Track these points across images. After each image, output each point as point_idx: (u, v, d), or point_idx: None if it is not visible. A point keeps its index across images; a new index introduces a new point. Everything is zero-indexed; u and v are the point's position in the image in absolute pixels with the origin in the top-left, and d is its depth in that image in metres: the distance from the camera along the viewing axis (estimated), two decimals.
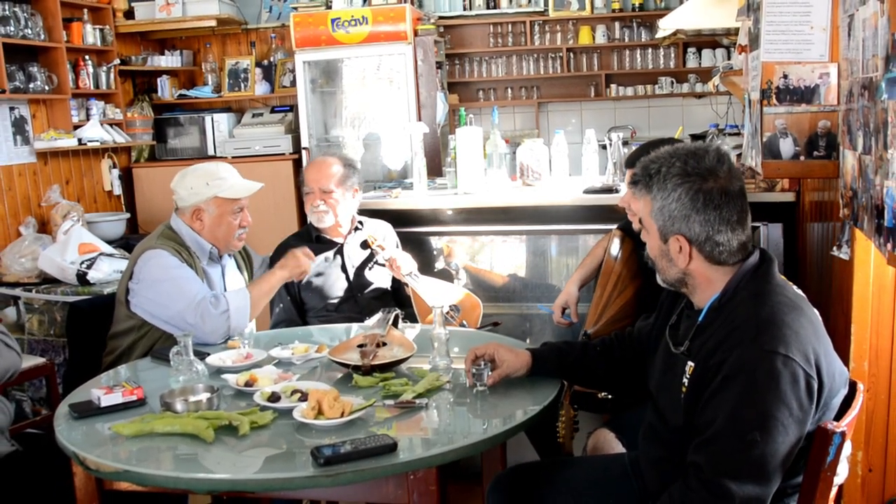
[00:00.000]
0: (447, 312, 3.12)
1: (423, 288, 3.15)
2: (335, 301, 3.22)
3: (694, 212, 1.73)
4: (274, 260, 3.23)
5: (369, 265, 3.28)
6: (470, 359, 2.15)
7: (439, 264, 3.82)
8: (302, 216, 5.68)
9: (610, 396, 2.62)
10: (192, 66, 6.23)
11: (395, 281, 3.32)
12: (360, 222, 3.32)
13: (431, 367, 2.32)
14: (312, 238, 3.27)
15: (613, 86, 7.11)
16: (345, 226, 3.27)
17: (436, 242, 3.76)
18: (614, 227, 2.92)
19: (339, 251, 3.26)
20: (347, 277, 3.25)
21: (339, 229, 3.26)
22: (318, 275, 3.20)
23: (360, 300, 3.22)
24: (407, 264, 3.19)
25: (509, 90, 7.31)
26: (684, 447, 1.69)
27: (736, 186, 1.74)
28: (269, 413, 2.00)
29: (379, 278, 3.30)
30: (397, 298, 3.30)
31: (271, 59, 6.11)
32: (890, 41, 1.70)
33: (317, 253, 3.21)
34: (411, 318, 3.10)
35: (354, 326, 2.80)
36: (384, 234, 3.32)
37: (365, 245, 3.28)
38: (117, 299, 2.83)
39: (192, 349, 2.31)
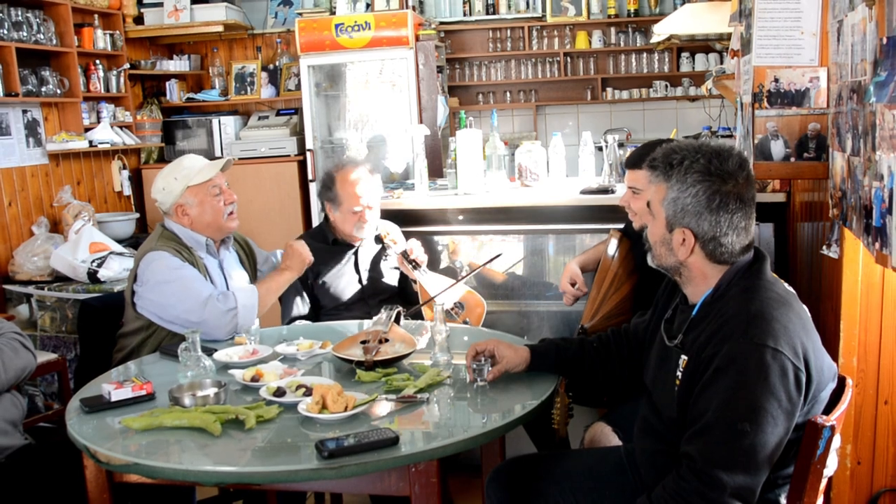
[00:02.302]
0: (452, 309, 3.12)
1: (430, 284, 3.14)
2: (346, 302, 3.22)
3: (707, 211, 1.73)
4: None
5: (382, 262, 3.28)
6: (470, 355, 2.15)
7: (444, 262, 3.82)
8: (307, 217, 5.69)
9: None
10: (199, 70, 6.23)
11: (401, 280, 3.32)
12: (376, 225, 3.31)
13: (432, 362, 2.32)
14: (329, 240, 3.24)
15: (609, 89, 7.10)
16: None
17: (438, 241, 3.75)
18: (610, 226, 2.91)
19: (354, 253, 3.26)
20: (360, 280, 3.25)
21: None
22: (332, 277, 3.19)
23: (371, 302, 3.21)
24: (420, 255, 3.18)
25: (508, 94, 7.31)
26: (678, 439, 1.69)
27: (750, 194, 1.75)
28: (274, 407, 2.00)
29: (390, 279, 3.30)
30: (403, 297, 3.29)
31: (277, 63, 6.12)
32: (878, 46, 1.70)
33: (333, 255, 3.21)
34: (417, 314, 3.08)
35: (367, 323, 2.80)
36: (390, 231, 3.31)
37: (377, 239, 3.27)
38: (125, 300, 2.84)
39: (200, 345, 2.31)
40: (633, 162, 2.56)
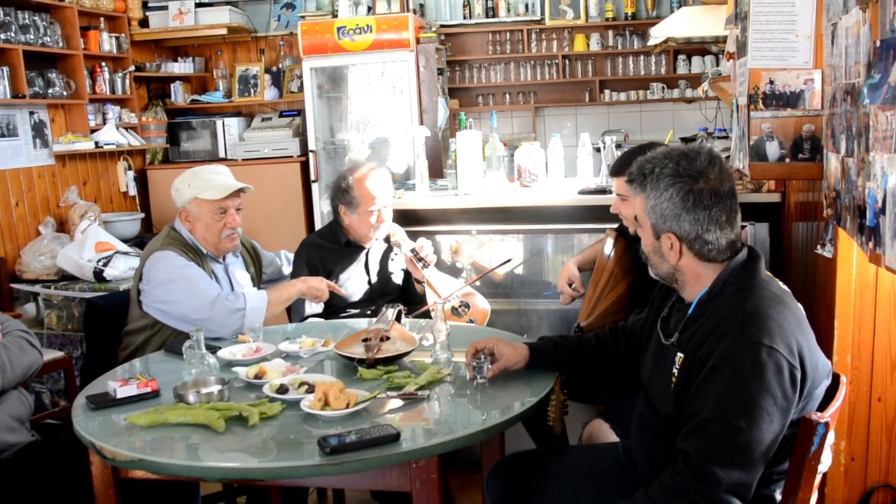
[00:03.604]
0: (458, 307, 3.11)
1: (439, 283, 3.14)
2: (355, 301, 3.22)
3: (684, 211, 1.73)
4: (299, 258, 3.22)
5: (389, 263, 3.27)
6: (470, 352, 2.15)
7: (446, 261, 3.82)
8: (309, 217, 5.68)
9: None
10: (203, 72, 6.23)
11: (405, 280, 3.32)
12: None
13: (433, 360, 2.32)
14: (341, 242, 3.23)
15: (607, 91, 7.11)
16: None
17: (440, 241, 3.76)
18: (607, 226, 2.91)
19: (366, 254, 3.25)
20: (369, 281, 3.25)
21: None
22: (343, 278, 3.19)
23: (379, 302, 3.20)
24: (430, 254, 3.17)
25: (507, 95, 7.31)
26: (675, 435, 1.69)
27: (726, 187, 1.75)
28: (277, 404, 2.00)
29: (397, 277, 3.30)
30: (406, 296, 3.29)
31: (280, 65, 6.12)
32: (871, 48, 1.70)
33: (346, 256, 3.21)
34: (424, 314, 3.07)
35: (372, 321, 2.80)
36: (395, 231, 3.31)
37: (385, 239, 3.27)
38: (131, 299, 2.84)
39: (204, 343, 2.31)
40: (616, 170, 2.58)
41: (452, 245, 3.80)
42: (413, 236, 3.31)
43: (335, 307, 3.19)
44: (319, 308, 3.15)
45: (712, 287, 1.76)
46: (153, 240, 2.92)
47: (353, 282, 3.21)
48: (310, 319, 3.10)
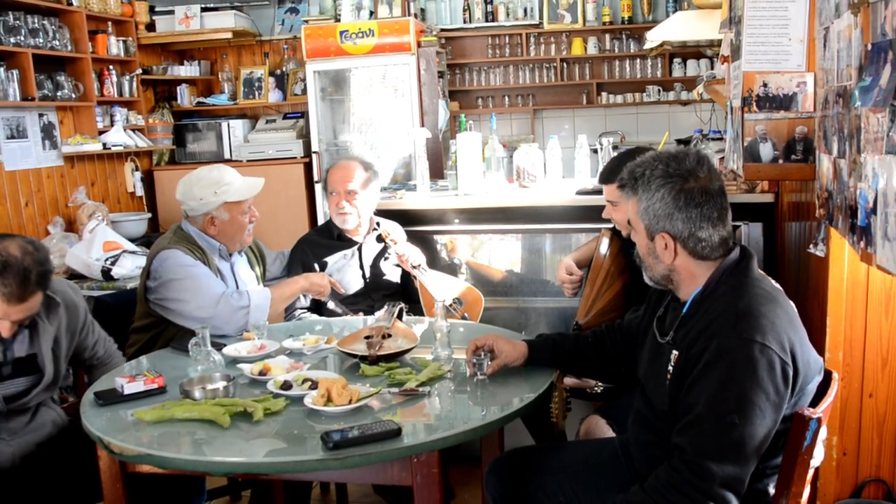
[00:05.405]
0: (451, 305, 3.12)
1: (430, 281, 3.14)
2: (351, 296, 3.22)
3: (676, 210, 1.73)
4: (294, 254, 3.23)
5: (383, 260, 3.28)
6: (470, 349, 2.16)
7: (443, 259, 3.82)
8: (312, 217, 5.69)
9: (599, 390, 2.63)
10: (209, 75, 6.23)
11: (403, 277, 3.32)
12: (378, 223, 3.32)
13: (434, 357, 2.32)
14: (334, 236, 3.26)
15: (604, 94, 7.10)
16: (364, 226, 3.27)
17: (438, 240, 3.76)
18: (604, 226, 2.91)
19: (358, 250, 3.26)
20: (364, 275, 3.25)
21: (359, 229, 3.26)
22: (337, 272, 3.20)
23: (374, 297, 3.22)
24: (416, 258, 3.20)
25: (506, 98, 7.30)
26: (670, 431, 1.70)
27: (716, 186, 1.75)
28: (281, 400, 2.00)
29: (392, 275, 3.30)
30: (406, 294, 3.29)
31: (284, 68, 6.12)
32: (863, 52, 1.70)
33: (338, 250, 3.23)
34: (418, 311, 3.09)
35: (370, 319, 2.81)
36: (391, 230, 3.32)
37: (379, 238, 3.28)
38: (138, 297, 2.84)
39: (210, 340, 2.31)
40: (605, 177, 2.60)
41: (447, 244, 3.80)
42: (414, 236, 3.31)
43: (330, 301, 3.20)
44: (306, 302, 3.18)
45: (706, 286, 1.77)
46: (160, 238, 2.92)
47: (348, 275, 3.22)
48: (301, 314, 3.11)
